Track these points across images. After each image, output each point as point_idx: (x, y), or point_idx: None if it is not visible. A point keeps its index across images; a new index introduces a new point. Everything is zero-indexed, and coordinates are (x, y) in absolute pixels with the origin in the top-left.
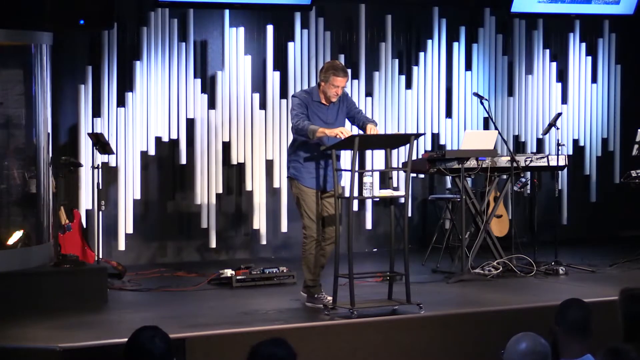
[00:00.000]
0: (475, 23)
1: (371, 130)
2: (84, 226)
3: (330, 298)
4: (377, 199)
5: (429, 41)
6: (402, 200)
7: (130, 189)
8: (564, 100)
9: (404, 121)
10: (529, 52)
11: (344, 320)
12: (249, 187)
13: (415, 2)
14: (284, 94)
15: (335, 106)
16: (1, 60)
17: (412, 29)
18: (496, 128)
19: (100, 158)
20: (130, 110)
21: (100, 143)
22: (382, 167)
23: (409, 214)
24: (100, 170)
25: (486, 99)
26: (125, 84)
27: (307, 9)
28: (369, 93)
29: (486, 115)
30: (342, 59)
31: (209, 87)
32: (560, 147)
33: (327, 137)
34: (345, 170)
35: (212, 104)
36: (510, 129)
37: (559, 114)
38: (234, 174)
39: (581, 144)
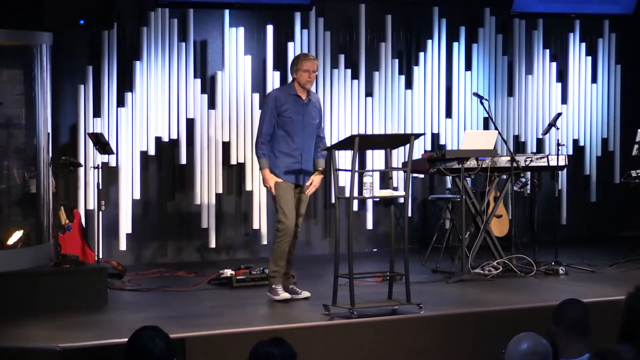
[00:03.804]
0: (475, 23)
1: (312, 181)
2: (84, 226)
3: (287, 295)
4: (377, 199)
5: (429, 41)
6: (402, 200)
7: (130, 189)
8: (564, 100)
9: (404, 121)
10: (529, 52)
11: (344, 320)
12: (249, 187)
13: (415, 2)
14: None
15: (312, 106)
16: (1, 60)
17: (412, 29)
18: (496, 128)
19: (100, 158)
20: (130, 110)
21: (100, 143)
22: (382, 167)
23: (409, 214)
24: (100, 170)
25: (486, 99)
26: (125, 84)
27: (307, 9)
28: (369, 93)
29: (486, 115)
30: (342, 59)
31: (209, 87)
32: (560, 147)
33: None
34: (345, 170)
35: (212, 104)
36: (510, 129)
37: (559, 114)
38: (234, 174)
39: (581, 144)
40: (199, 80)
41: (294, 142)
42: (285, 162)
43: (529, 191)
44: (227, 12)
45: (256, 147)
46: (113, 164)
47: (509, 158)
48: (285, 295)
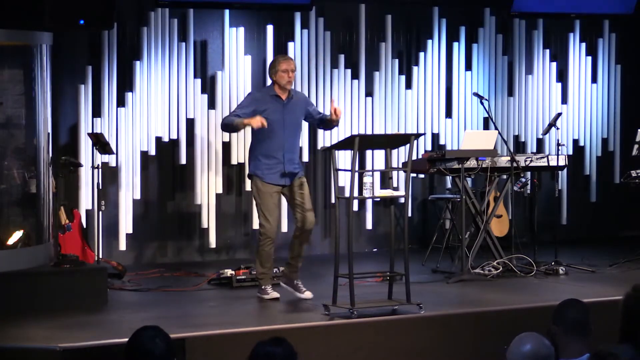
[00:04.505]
0: (475, 23)
1: (333, 107)
2: (84, 226)
3: (276, 294)
4: (377, 199)
5: (429, 41)
6: (402, 200)
7: (130, 189)
8: (564, 100)
9: (404, 121)
10: (529, 52)
11: (344, 320)
12: (249, 187)
13: (415, 2)
14: None
15: (293, 105)
16: (1, 60)
17: (412, 29)
18: (496, 128)
19: (100, 158)
20: (130, 110)
21: (100, 143)
22: (382, 167)
23: (409, 214)
24: (100, 170)
25: (486, 99)
26: (125, 84)
27: (307, 9)
28: (369, 93)
29: (486, 115)
30: (342, 59)
31: (209, 87)
32: (560, 147)
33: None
34: (345, 170)
35: (212, 104)
36: (510, 129)
37: (559, 114)
38: (234, 174)
39: (581, 144)
40: (199, 80)
41: (274, 143)
42: (268, 164)
43: (529, 191)
44: (227, 12)
45: (223, 120)
46: (113, 164)
47: (509, 158)
48: (274, 294)
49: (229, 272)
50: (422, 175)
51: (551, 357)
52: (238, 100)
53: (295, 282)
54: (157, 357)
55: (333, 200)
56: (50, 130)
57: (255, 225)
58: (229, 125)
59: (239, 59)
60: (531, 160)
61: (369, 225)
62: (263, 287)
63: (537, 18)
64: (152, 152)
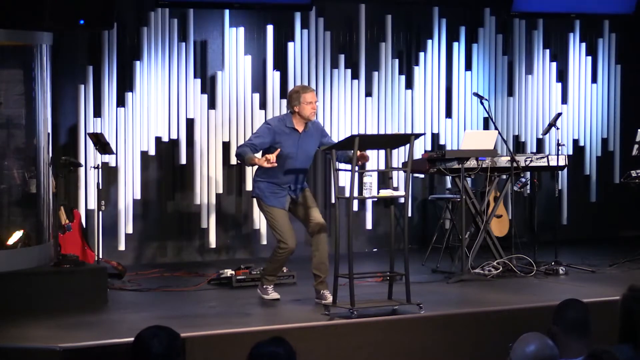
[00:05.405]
0: (475, 23)
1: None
2: (84, 226)
3: (277, 295)
4: (377, 199)
5: (429, 41)
6: (402, 200)
7: (130, 189)
8: (564, 100)
9: (404, 121)
10: (529, 52)
11: (344, 320)
12: (249, 187)
13: (415, 2)
14: (284, 94)
15: (308, 137)
16: (1, 60)
17: (412, 29)
18: (496, 128)
19: (100, 158)
20: (130, 110)
21: (100, 143)
22: (382, 167)
23: (409, 214)
24: (100, 170)
25: (486, 99)
26: (125, 84)
27: (307, 8)
28: (369, 93)
29: (486, 115)
30: (342, 59)
31: (209, 87)
32: (560, 147)
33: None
34: (345, 170)
35: (212, 104)
36: (510, 129)
37: (559, 114)
38: (234, 174)
39: (581, 144)
40: (199, 80)
41: (284, 174)
42: (273, 191)
43: (529, 191)
44: (227, 12)
45: (238, 148)
46: (113, 164)
47: (509, 158)
48: (275, 294)
49: (229, 272)
50: (422, 175)
51: (555, 357)
52: (238, 100)
53: (322, 292)
54: (157, 357)
55: (333, 200)
56: (50, 130)
57: (256, 225)
58: (241, 156)
59: (239, 59)
60: (531, 160)
61: (368, 225)
62: (265, 286)
63: (537, 18)
64: (152, 152)
